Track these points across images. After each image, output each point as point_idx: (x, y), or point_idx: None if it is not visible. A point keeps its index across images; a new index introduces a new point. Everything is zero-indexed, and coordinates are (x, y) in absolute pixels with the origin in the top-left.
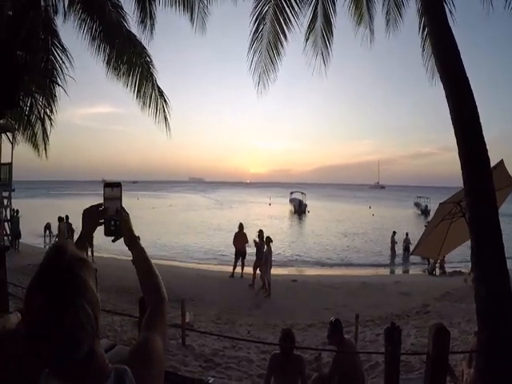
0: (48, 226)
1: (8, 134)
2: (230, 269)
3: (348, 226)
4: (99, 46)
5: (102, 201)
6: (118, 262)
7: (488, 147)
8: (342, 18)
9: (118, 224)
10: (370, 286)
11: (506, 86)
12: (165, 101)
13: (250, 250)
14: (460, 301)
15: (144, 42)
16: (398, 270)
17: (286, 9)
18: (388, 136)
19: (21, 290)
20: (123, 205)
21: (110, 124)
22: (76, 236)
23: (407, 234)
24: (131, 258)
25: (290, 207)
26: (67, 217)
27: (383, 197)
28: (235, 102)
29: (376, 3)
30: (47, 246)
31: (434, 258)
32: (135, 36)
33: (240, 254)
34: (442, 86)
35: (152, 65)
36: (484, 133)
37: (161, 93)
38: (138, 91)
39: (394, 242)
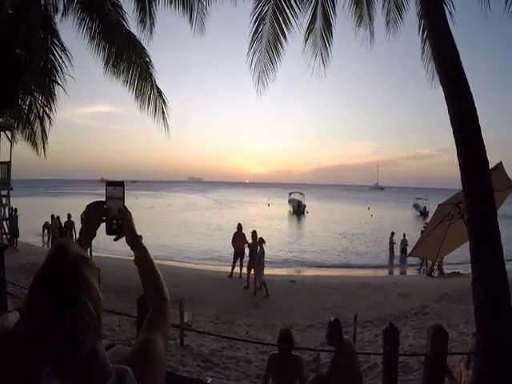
0: (46, 225)
1: (7, 132)
2: (229, 269)
3: (347, 227)
4: (98, 46)
5: (101, 199)
6: (117, 261)
7: (487, 149)
8: (342, 18)
9: (121, 223)
10: (369, 286)
11: (505, 88)
12: (164, 101)
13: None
14: (458, 302)
15: (143, 42)
16: (397, 271)
17: (286, 9)
18: (388, 137)
19: (19, 289)
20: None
21: (110, 123)
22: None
23: (404, 236)
24: (133, 258)
25: (288, 208)
26: (69, 215)
27: (382, 198)
28: (234, 102)
29: (376, 4)
30: (45, 245)
31: (432, 260)
32: (134, 36)
33: (239, 254)
34: (441, 87)
35: (151, 65)
36: (483, 135)
37: (160, 93)
38: (137, 91)
39: (392, 243)
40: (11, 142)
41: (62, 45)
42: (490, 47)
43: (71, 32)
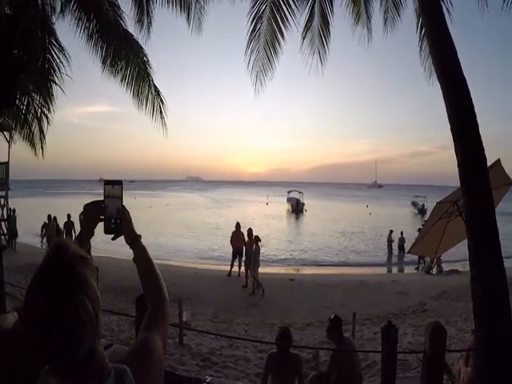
0: (45, 226)
1: (5, 132)
2: (228, 268)
3: (345, 225)
4: (96, 45)
5: (99, 199)
6: (115, 261)
7: (485, 146)
8: (340, 16)
9: (119, 222)
10: (368, 284)
11: (503, 85)
12: (161, 100)
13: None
14: (457, 299)
15: (141, 42)
16: (395, 269)
17: (283, 7)
18: (386, 135)
19: (18, 290)
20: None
21: (108, 123)
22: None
23: (402, 233)
24: (132, 257)
25: (287, 206)
26: (69, 215)
27: (381, 196)
28: (232, 101)
29: (374, 2)
30: (44, 246)
31: (431, 257)
32: (132, 35)
33: (237, 253)
34: (439, 84)
35: (149, 64)
36: (481, 132)
37: (157, 92)
38: (134, 90)
39: (390, 241)
40: (9, 142)
41: (60, 44)
42: (488, 44)
43: (69, 32)
